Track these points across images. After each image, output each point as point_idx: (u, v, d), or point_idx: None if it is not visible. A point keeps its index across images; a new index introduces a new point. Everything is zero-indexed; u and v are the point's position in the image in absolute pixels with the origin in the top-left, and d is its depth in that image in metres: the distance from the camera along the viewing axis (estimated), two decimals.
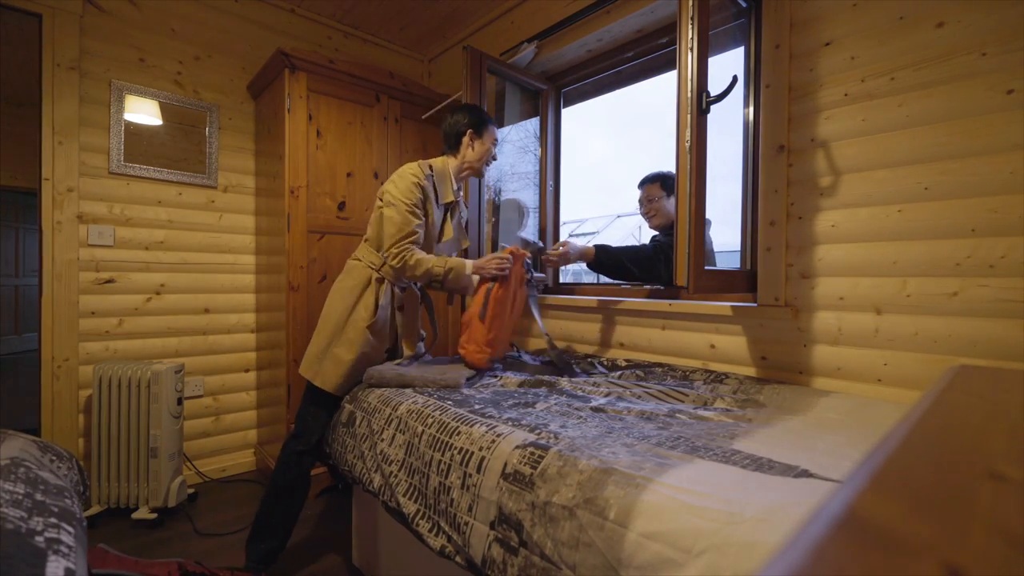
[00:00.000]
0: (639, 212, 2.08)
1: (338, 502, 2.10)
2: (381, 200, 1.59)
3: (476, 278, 1.62)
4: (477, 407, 1.24)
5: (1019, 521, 0.24)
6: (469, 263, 1.59)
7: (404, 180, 1.56)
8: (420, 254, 1.54)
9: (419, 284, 1.75)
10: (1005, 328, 1.14)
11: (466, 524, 0.99)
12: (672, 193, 1.94)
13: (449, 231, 1.70)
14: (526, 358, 1.89)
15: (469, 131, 1.67)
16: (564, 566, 0.79)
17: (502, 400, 1.33)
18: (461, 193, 1.74)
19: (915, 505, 0.26)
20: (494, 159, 1.75)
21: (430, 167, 1.62)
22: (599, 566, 0.74)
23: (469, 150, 1.68)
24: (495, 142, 1.74)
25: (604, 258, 1.90)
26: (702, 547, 0.65)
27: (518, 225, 2.43)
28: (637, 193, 2.11)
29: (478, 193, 2.14)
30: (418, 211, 1.56)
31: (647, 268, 1.91)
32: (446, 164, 1.68)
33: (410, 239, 1.52)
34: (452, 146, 1.70)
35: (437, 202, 1.62)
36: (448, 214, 1.70)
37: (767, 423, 1.10)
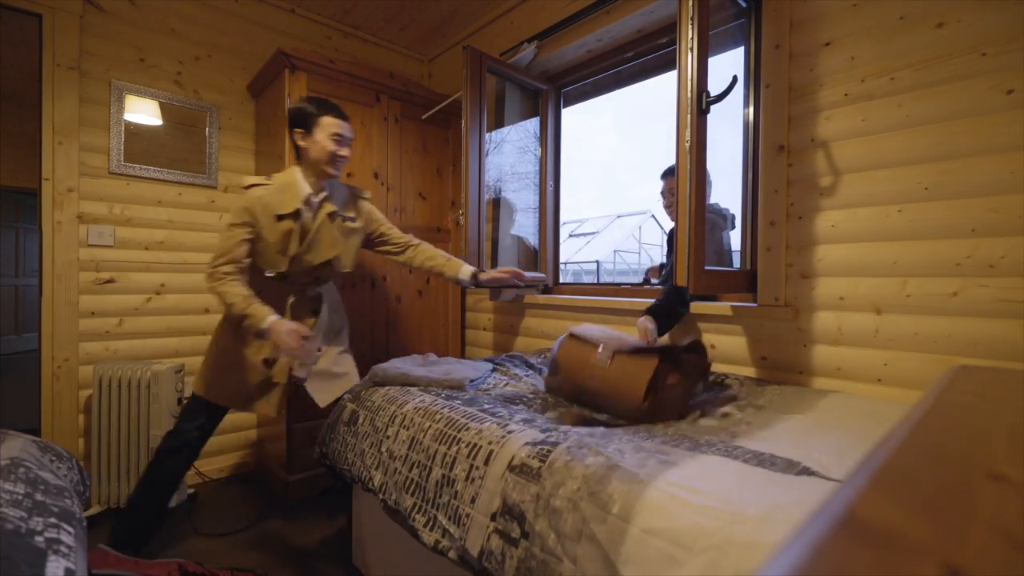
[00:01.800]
0: (662, 204, 1.99)
1: (338, 502, 2.10)
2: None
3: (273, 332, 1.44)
4: (487, 407, 1.24)
5: (1019, 521, 0.24)
6: (269, 320, 1.43)
7: (234, 202, 1.50)
8: (229, 285, 1.46)
9: (316, 294, 1.70)
10: (1005, 328, 1.14)
11: (467, 516, 0.99)
12: (726, 227, 1.90)
13: (294, 243, 1.54)
14: (532, 360, 1.89)
15: (298, 131, 1.56)
16: (566, 558, 0.79)
17: (511, 403, 1.33)
18: (324, 194, 1.60)
19: (915, 505, 0.26)
20: (340, 155, 1.58)
21: (267, 179, 1.56)
22: (600, 559, 0.74)
23: (306, 150, 1.56)
24: (335, 135, 1.55)
25: (662, 320, 1.70)
26: (703, 545, 0.65)
27: (510, 224, 2.43)
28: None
29: (478, 194, 2.13)
30: (243, 230, 1.50)
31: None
32: (292, 173, 1.58)
33: (229, 261, 1.48)
34: (294, 148, 1.60)
35: (274, 215, 1.52)
36: (295, 222, 1.54)
37: (767, 423, 1.10)
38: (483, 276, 1.76)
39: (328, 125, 1.55)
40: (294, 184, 1.56)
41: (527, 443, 0.97)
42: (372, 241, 1.80)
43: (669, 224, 2.07)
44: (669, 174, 1.99)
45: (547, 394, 1.46)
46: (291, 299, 1.64)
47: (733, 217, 1.77)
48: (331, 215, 1.61)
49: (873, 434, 0.98)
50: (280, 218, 1.53)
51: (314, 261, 1.58)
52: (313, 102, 1.57)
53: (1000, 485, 0.29)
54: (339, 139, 1.57)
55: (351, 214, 1.69)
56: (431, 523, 1.07)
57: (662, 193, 2.00)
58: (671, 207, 1.98)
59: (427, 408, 1.25)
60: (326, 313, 1.70)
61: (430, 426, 1.18)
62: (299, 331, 1.43)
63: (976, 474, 0.31)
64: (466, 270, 1.75)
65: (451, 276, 1.77)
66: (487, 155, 2.22)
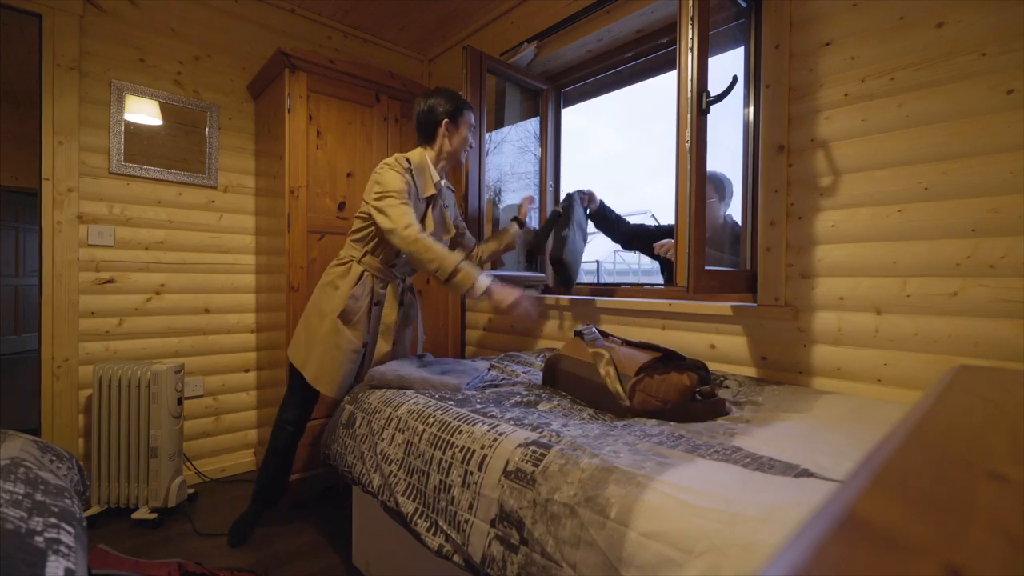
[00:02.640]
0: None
1: (338, 502, 2.10)
2: (367, 202, 1.57)
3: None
4: (479, 406, 1.24)
5: (1019, 521, 0.24)
6: (486, 283, 1.46)
7: (390, 173, 1.53)
8: (431, 239, 1.49)
9: (409, 282, 1.76)
10: (1005, 328, 1.14)
11: (466, 522, 0.99)
12: (723, 197, 1.89)
13: (430, 224, 1.65)
14: (531, 359, 1.89)
15: (445, 120, 1.62)
16: (565, 564, 0.79)
17: (504, 400, 1.33)
18: (443, 182, 1.71)
19: (915, 505, 0.26)
20: (470, 147, 1.71)
21: (408, 160, 1.59)
22: (600, 565, 0.74)
23: (446, 141, 1.63)
24: (472, 128, 1.69)
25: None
26: (703, 548, 0.65)
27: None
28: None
29: (478, 194, 2.13)
30: (410, 202, 1.54)
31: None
32: (423, 157, 1.63)
33: (414, 224, 1.50)
34: (427, 137, 1.65)
35: (418, 196, 1.61)
36: (429, 207, 1.67)
37: (767, 423, 1.10)
38: (522, 215, 1.91)
39: (469, 119, 1.67)
40: (428, 169, 1.64)
41: (519, 445, 0.97)
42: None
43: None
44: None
45: (541, 388, 1.46)
46: (392, 285, 1.70)
47: (730, 183, 1.75)
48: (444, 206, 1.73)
49: (873, 434, 0.98)
50: (423, 200, 1.63)
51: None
52: (456, 96, 1.66)
53: (1000, 485, 0.29)
54: (474, 131, 1.71)
55: (448, 206, 1.79)
56: (433, 528, 1.07)
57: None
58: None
59: (420, 411, 1.24)
60: (417, 307, 1.84)
61: (424, 430, 1.18)
62: (517, 290, 1.49)
63: (976, 474, 0.31)
64: (515, 228, 1.91)
65: (513, 242, 1.90)
66: (487, 155, 2.22)
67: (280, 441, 1.75)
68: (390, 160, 1.57)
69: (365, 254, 1.64)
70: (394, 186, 1.51)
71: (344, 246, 1.71)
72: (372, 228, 1.61)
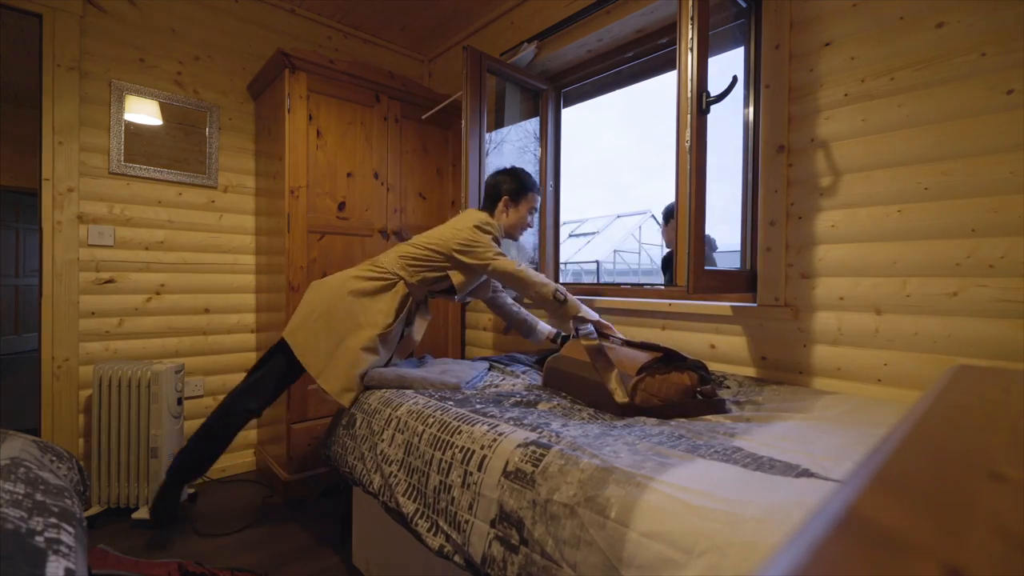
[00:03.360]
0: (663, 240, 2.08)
1: (338, 502, 2.10)
2: (447, 244, 1.62)
3: (585, 326, 1.48)
4: (478, 406, 1.24)
5: (1019, 521, 0.24)
6: (588, 311, 1.53)
7: (485, 237, 1.61)
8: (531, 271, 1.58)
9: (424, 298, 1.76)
10: (1005, 328, 1.14)
11: (467, 522, 0.99)
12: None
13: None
14: (530, 359, 1.89)
15: (505, 197, 1.70)
16: (565, 564, 0.79)
17: (503, 400, 1.33)
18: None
19: (915, 505, 0.26)
20: (530, 226, 1.77)
21: (497, 224, 1.69)
22: (600, 565, 0.74)
23: (504, 215, 1.72)
24: (533, 209, 1.75)
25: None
26: (703, 547, 0.65)
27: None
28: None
29: (478, 194, 2.13)
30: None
31: None
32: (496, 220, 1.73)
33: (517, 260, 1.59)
34: (489, 204, 1.74)
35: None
36: None
37: (767, 422, 1.10)
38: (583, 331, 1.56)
39: (531, 200, 1.72)
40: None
41: (519, 445, 0.97)
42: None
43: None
44: (670, 216, 2.00)
45: (541, 389, 1.46)
46: (412, 304, 1.70)
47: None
48: None
49: (873, 434, 0.98)
50: None
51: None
52: (524, 176, 1.73)
53: (1000, 485, 0.29)
54: (534, 212, 1.75)
55: None
56: (434, 528, 1.07)
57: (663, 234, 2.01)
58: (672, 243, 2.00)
59: (420, 411, 1.24)
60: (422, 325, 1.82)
61: (424, 430, 1.18)
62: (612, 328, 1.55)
63: (976, 474, 0.31)
64: (547, 334, 1.90)
65: (528, 331, 1.92)
66: (487, 155, 2.22)
67: (232, 427, 1.67)
68: (486, 222, 1.65)
69: (419, 280, 1.63)
70: (478, 231, 1.62)
71: (387, 259, 1.66)
72: (442, 263, 1.63)
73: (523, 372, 1.71)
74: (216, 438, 1.68)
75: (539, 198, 1.77)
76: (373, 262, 1.68)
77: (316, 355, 1.55)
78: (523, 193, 1.71)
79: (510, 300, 1.95)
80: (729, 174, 1.72)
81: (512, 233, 1.76)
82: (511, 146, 2.42)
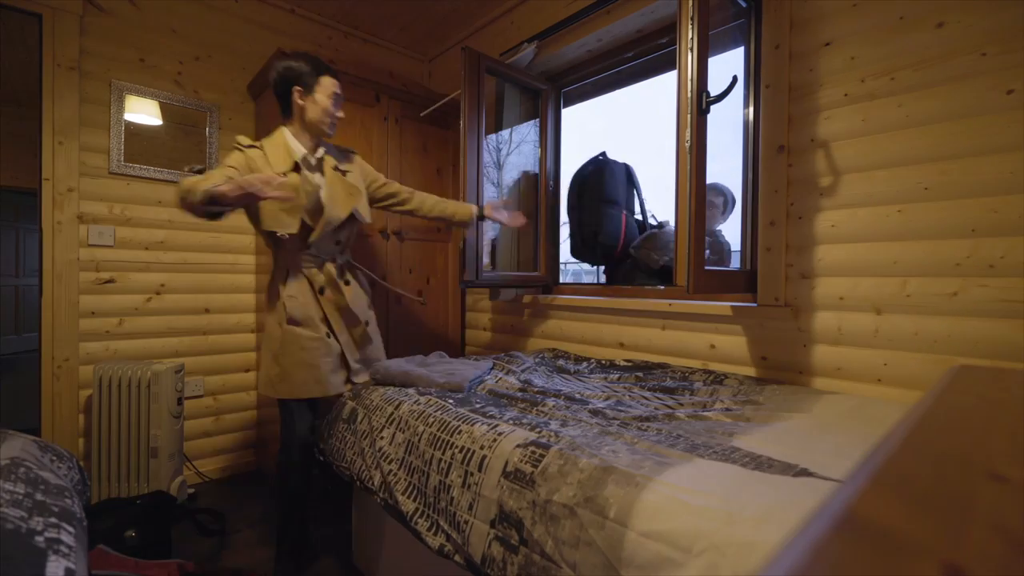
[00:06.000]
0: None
1: (338, 502, 2.10)
2: None
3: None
4: (478, 406, 1.24)
5: (1019, 521, 0.24)
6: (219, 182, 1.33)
7: (227, 158, 1.46)
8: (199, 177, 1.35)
9: (346, 257, 1.64)
10: (1005, 328, 1.14)
11: (466, 523, 0.99)
12: (725, 209, 1.88)
13: (302, 196, 1.47)
14: (530, 358, 1.89)
15: (298, 89, 1.48)
16: (564, 564, 0.79)
17: (503, 400, 1.33)
18: (321, 151, 1.55)
19: (915, 505, 0.26)
20: (339, 116, 1.55)
21: (262, 146, 1.50)
22: (599, 565, 0.74)
23: (303, 112, 1.50)
24: (335, 95, 1.52)
25: None
26: (702, 547, 0.65)
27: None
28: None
29: (476, 194, 2.12)
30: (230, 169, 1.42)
31: None
32: (279, 134, 1.52)
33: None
34: (284, 105, 1.52)
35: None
36: (324, 176, 1.54)
37: (766, 422, 1.10)
38: (487, 211, 1.86)
39: (328, 85, 1.51)
40: (285, 144, 1.50)
41: (518, 445, 0.97)
42: (375, 197, 1.74)
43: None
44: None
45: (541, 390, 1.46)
46: (325, 268, 1.56)
47: (733, 199, 1.74)
48: (335, 169, 1.56)
49: (873, 434, 0.98)
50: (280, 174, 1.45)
51: (341, 215, 1.53)
52: (309, 60, 1.50)
53: (1000, 485, 0.29)
54: (337, 98, 1.54)
55: (349, 170, 1.62)
56: (434, 528, 1.07)
57: None
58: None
59: (421, 411, 1.24)
60: (363, 279, 1.71)
61: (424, 430, 1.18)
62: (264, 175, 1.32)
63: (976, 474, 0.31)
64: (474, 210, 1.86)
65: (464, 219, 1.85)
66: (507, 155, 2.21)
67: (295, 481, 1.57)
68: (238, 142, 1.50)
69: (279, 253, 1.55)
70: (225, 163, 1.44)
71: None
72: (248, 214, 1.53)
73: (521, 371, 1.71)
74: (295, 499, 1.58)
75: (337, 82, 1.53)
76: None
77: (268, 380, 1.53)
78: (315, 76, 1.48)
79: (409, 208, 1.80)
80: (729, 174, 1.72)
81: (320, 128, 1.52)
82: (530, 145, 2.41)
